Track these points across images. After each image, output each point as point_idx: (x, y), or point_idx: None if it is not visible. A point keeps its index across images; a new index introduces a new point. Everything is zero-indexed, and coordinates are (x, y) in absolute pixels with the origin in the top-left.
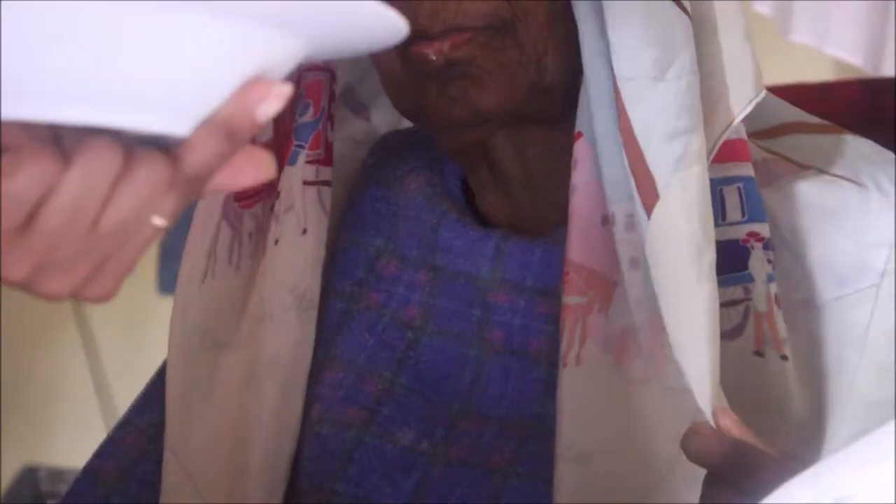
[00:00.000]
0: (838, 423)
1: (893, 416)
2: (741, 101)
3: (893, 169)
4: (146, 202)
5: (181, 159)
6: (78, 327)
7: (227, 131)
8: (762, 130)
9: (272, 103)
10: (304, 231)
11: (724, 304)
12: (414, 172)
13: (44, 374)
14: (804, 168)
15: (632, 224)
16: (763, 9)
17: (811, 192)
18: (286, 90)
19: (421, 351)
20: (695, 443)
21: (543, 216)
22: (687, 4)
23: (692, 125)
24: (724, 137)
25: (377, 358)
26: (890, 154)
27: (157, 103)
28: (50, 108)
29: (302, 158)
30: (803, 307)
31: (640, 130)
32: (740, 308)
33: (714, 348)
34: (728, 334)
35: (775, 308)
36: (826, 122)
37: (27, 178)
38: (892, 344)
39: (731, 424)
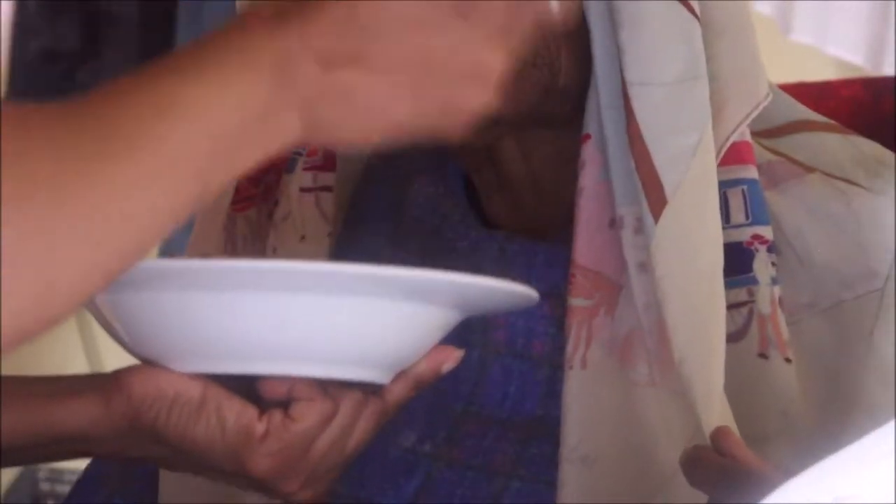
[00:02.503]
0: (842, 427)
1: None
2: (747, 104)
3: (895, 171)
4: (374, 429)
5: (384, 398)
6: (78, 327)
7: (418, 382)
8: (768, 129)
9: (452, 363)
10: (303, 238)
11: (729, 307)
12: (417, 172)
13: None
14: (809, 171)
15: (641, 228)
16: (764, 8)
17: (815, 196)
18: (461, 354)
19: None
20: (695, 470)
21: (548, 217)
22: (696, 6)
23: (702, 129)
24: (730, 141)
25: None
26: (891, 155)
27: (379, 365)
28: (309, 368)
29: (300, 165)
30: (807, 311)
31: (649, 135)
32: (744, 310)
33: (718, 361)
34: (732, 337)
35: (779, 310)
36: (830, 122)
37: (314, 420)
38: (894, 349)
39: (732, 445)
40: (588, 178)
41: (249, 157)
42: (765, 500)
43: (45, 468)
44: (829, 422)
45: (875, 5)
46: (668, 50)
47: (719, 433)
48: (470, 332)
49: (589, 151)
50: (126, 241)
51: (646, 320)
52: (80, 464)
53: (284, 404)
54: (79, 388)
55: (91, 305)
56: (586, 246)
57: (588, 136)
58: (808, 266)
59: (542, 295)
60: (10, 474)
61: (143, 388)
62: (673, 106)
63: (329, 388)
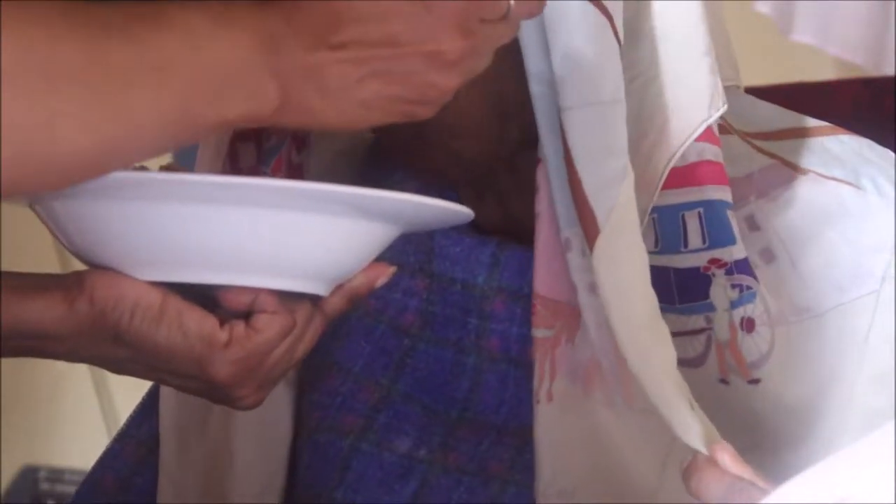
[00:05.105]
0: (839, 432)
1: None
2: (691, 124)
3: (893, 169)
4: (316, 339)
5: (322, 309)
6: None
7: (353, 296)
8: (762, 132)
9: (385, 279)
10: None
11: (687, 334)
12: (408, 177)
13: (44, 374)
14: (803, 172)
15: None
16: (764, 8)
17: (810, 198)
18: (393, 270)
19: (418, 358)
20: (695, 479)
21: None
22: (620, 31)
23: (625, 152)
24: (673, 162)
25: (374, 365)
26: (889, 153)
27: (322, 278)
28: (257, 279)
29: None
30: (804, 315)
31: (580, 160)
32: (702, 337)
33: (671, 375)
34: (691, 363)
35: (740, 335)
36: (823, 124)
37: (276, 332)
38: (892, 350)
39: (729, 459)
40: (542, 204)
41: (229, 105)
42: (765, 500)
43: (45, 468)
44: (825, 426)
45: (875, 5)
46: (598, 72)
47: (715, 448)
48: (464, 338)
49: (541, 176)
50: (117, 130)
51: (599, 341)
52: (81, 464)
53: (243, 315)
54: (44, 285)
55: (47, 212)
56: (544, 273)
57: (539, 161)
58: (802, 270)
59: None
60: (10, 474)
61: (105, 292)
62: (602, 128)
63: (283, 300)
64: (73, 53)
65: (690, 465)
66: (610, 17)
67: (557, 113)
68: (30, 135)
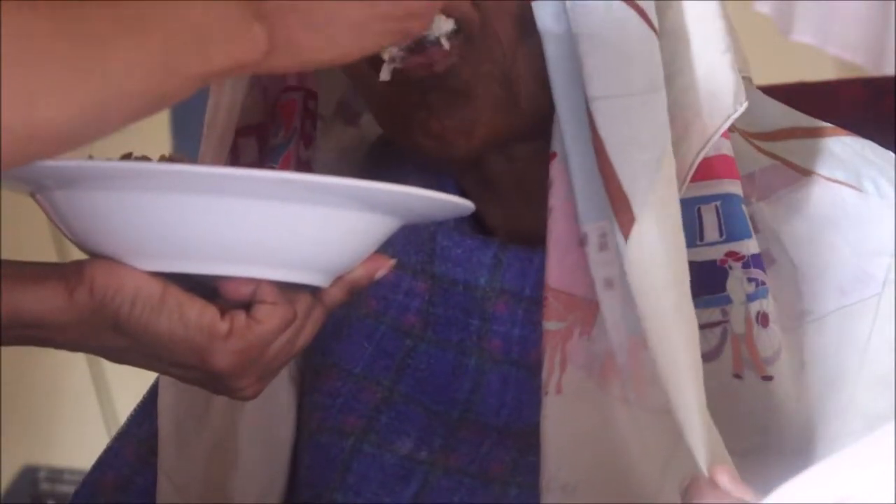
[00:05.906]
0: (839, 435)
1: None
2: (717, 118)
3: (893, 171)
4: (316, 331)
5: (322, 300)
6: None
7: (353, 287)
8: (763, 133)
9: (384, 271)
10: None
11: (702, 327)
12: (409, 178)
13: (44, 374)
14: (804, 174)
15: (605, 244)
16: (764, 8)
17: (811, 201)
18: (393, 262)
19: (420, 359)
20: (696, 500)
21: (539, 220)
22: (654, 21)
23: (663, 143)
24: (701, 156)
25: (376, 366)
26: (890, 154)
27: (323, 269)
28: (258, 270)
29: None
30: (805, 319)
31: (613, 150)
32: (717, 330)
33: (697, 377)
34: (706, 356)
35: (756, 328)
36: (825, 125)
37: (277, 323)
38: (892, 354)
39: (729, 482)
40: (556, 198)
41: (215, 54)
42: (765, 500)
43: (45, 468)
44: (827, 429)
45: (875, 5)
46: (628, 62)
47: (716, 470)
48: (466, 339)
49: (556, 170)
50: (97, 97)
51: (615, 337)
52: (81, 464)
53: (244, 305)
54: (44, 275)
55: (48, 202)
56: (557, 267)
57: (554, 155)
58: (804, 273)
59: (538, 303)
60: (10, 474)
61: (105, 281)
62: (635, 119)
63: (283, 291)
64: (46, 28)
65: (691, 485)
66: (640, 10)
67: (584, 103)
68: (9, 115)
